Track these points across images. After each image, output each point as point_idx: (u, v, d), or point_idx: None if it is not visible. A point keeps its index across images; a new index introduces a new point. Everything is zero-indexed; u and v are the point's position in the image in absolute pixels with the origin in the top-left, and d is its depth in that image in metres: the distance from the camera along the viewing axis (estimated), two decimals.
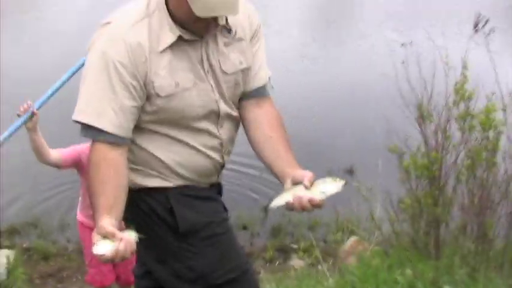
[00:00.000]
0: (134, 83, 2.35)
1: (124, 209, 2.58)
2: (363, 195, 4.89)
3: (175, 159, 2.54)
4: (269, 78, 2.71)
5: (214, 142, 2.61)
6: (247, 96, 2.69)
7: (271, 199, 2.49)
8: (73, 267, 7.12)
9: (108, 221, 2.24)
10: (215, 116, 2.57)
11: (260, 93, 2.70)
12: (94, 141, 2.39)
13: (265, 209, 2.50)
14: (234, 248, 2.71)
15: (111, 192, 2.32)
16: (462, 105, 3.94)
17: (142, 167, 2.56)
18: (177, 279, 2.61)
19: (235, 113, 2.66)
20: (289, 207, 2.41)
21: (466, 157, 3.90)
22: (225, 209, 2.76)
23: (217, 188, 2.78)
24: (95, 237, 2.20)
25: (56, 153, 4.18)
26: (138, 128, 2.48)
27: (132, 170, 2.52)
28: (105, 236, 2.18)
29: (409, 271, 3.66)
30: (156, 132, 2.51)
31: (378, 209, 4.96)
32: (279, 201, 2.45)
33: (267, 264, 7.36)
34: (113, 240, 2.18)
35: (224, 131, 2.64)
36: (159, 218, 2.57)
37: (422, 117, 3.95)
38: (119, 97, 2.35)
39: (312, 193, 2.36)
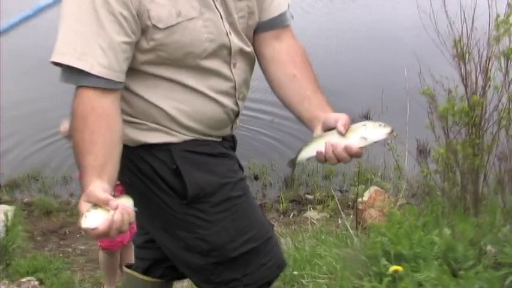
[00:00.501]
0: (125, 12, 1.87)
1: (119, 171, 2.18)
2: (387, 143, 4.42)
3: (181, 108, 2.08)
4: (288, 5, 2.25)
5: (227, 85, 2.14)
6: (263, 28, 2.21)
7: (299, 150, 2.04)
8: (75, 223, 6.76)
9: (99, 186, 1.77)
10: (226, 52, 2.10)
11: (279, 24, 2.23)
12: (78, 87, 1.91)
13: (292, 162, 2.06)
14: (254, 212, 2.26)
15: (102, 149, 1.85)
16: (506, 42, 3.46)
17: (141, 119, 2.09)
18: (186, 251, 2.18)
19: (249, 49, 2.19)
20: (320, 158, 1.96)
21: (510, 101, 3.43)
22: (241, 167, 2.30)
23: (230, 141, 2.31)
24: (83, 206, 1.73)
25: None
26: (133, 72, 2.00)
27: (127, 123, 2.05)
28: (96, 204, 1.74)
29: (446, 231, 3.24)
30: (155, 76, 2.03)
31: (405, 159, 4.54)
32: (308, 152, 2.00)
33: (281, 217, 7.03)
34: (107, 210, 1.73)
35: (238, 72, 2.16)
36: (162, 181, 2.11)
37: (460, 56, 3.47)
38: (107, 32, 1.86)
39: (349, 140, 1.92)
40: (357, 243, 3.44)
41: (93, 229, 1.70)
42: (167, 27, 1.95)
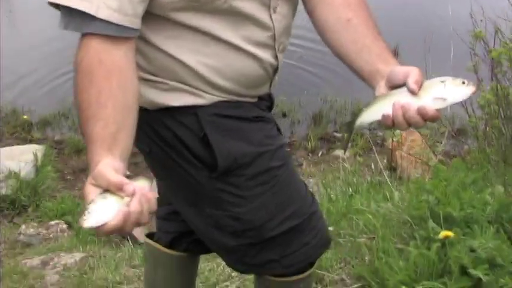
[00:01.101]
0: None
1: (135, 136, 1.74)
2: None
3: (209, 63, 1.60)
4: None
5: (265, 35, 1.66)
6: None
7: (358, 112, 1.59)
8: None
9: (109, 165, 1.31)
10: None
11: None
12: (83, 35, 1.44)
13: (349, 126, 1.62)
14: (295, 184, 1.81)
15: (113, 114, 1.39)
16: None
17: (161, 77, 1.62)
18: (217, 230, 1.75)
19: None
20: (387, 122, 1.49)
21: None
22: (279, 131, 1.84)
23: (267, 101, 1.84)
24: (90, 191, 1.28)
25: None
26: (151, 18, 1.53)
27: (145, 81, 1.60)
28: (107, 189, 1.28)
29: (500, 188, 2.80)
30: (178, 24, 1.55)
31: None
32: (371, 114, 1.54)
33: (309, 155, 6.64)
34: (120, 197, 1.27)
35: (278, 18, 1.67)
36: (188, 151, 1.67)
37: None
38: None
39: (423, 100, 1.46)
40: (398, 199, 3.00)
41: (102, 225, 1.25)
42: None
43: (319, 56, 7.80)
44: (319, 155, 6.60)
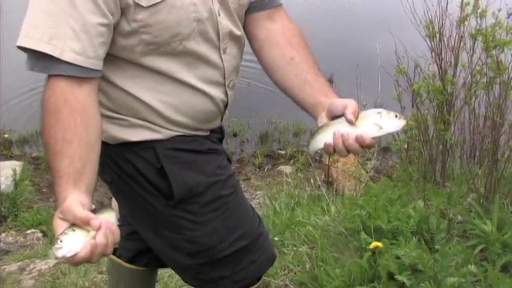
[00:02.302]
0: None
1: (101, 168, 1.65)
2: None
3: (166, 101, 1.53)
4: None
5: (216, 73, 1.60)
6: (255, 8, 1.68)
7: (307, 142, 1.55)
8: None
9: (76, 200, 1.23)
10: (215, 35, 1.55)
11: (271, 3, 1.69)
12: (49, 77, 1.35)
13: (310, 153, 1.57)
14: (244, 209, 1.74)
15: (78, 151, 1.29)
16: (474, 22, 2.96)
17: (121, 114, 1.54)
18: (173, 250, 1.66)
19: (239, 32, 1.64)
20: (329, 150, 1.45)
21: (479, 75, 2.93)
22: (230, 161, 1.77)
23: (218, 133, 1.77)
24: (58, 225, 1.20)
25: None
26: (112, 60, 1.45)
27: (107, 118, 1.52)
28: (74, 224, 1.20)
29: (420, 203, 2.79)
30: (137, 65, 1.48)
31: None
32: (315, 144, 1.49)
33: (257, 170, 6.55)
34: (86, 230, 1.20)
35: (228, 58, 1.61)
36: (146, 181, 1.58)
37: (433, 34, 2.95)
38: (80, 11, 1.31)
39: (361, 128, 1.42)
40: (334, 213, 2.95)
41: (72, 256, 1.18)
42: (151, 5, 1.40)
43: (265, 83, 7.75)
44: (265, 170, 6.52)
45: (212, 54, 1.56)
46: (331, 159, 5.15)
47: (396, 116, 1.43)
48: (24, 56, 1.38)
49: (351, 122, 1.41)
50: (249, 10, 1.67)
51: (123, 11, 1.39)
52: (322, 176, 4.87)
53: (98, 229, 1.19)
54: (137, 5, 1.39)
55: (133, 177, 1.58)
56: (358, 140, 1.40)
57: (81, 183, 1.28)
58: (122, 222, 2.00)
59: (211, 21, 1.52)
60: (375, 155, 4.41)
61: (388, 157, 4.76)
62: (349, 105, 1.44)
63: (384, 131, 1.43)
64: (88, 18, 1.32)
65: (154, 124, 1.55)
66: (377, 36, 5.81)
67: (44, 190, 6.03)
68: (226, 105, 1.70)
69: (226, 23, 1.57)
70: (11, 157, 6.66)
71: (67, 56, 1.31)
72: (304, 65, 1.62)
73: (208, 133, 1.68)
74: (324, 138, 1.46)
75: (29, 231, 4.77)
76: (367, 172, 4.17)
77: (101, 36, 1.36)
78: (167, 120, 1.56)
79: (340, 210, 3.01)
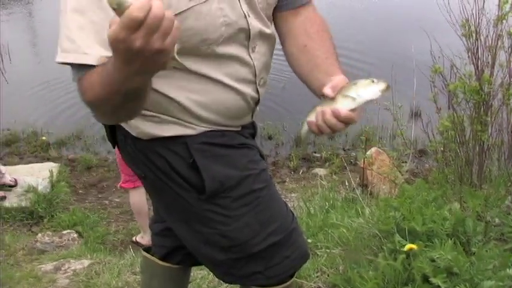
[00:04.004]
0: None
1: (133, 163, 1.67)
2: (391, 113, 3.89)
3: (197, 99, 1.55)
4: None
5: (246, 71, 1.60)
6: (282, 7, 1.68)
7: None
8: (112, 178, 6.40)
9: None
10: (244, 36, 1.56)
11: (300, 1, 1.69)
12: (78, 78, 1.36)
13: (300, 138, 1.60)
14: (276, 204, 1.74)
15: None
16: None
17: (153, 111, 1.56)
18: (206, 245, 1.68)
19: (269, 30, 1.65)
20: (312, 128, 1.46)
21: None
22: (262, 156, 1.77)
23: (250, 129, 1.78)
24: None
25: None
26: None
27: (140, 115, 1.53)
28: None
29: (456, 205, 2.75)
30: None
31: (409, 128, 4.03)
32: (303, 125, 1.51)
33: (292, 173, 6.56)
34: None
35: (257, 56, 1.62)
36: (178, 175, 1.60)
37: (469, 34, 2.92)
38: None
39: (337, 102, 1.40)
40: (368, 215, 2.94)
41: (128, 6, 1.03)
42: (178, 13, 1.41)
43: (300, 85, 7.76)
44: (300, 172, 6.53)
45: (241, 53, 1.58)
46: (366, 162, 5.13)
47: (373, 82, 1.38)
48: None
49: (327, 96, 1.42)
50: (277, 8, 1.69)
51: None
52: (357, 179, 4.84)
53: None
54: None
55: (166, 172, 1.61)
56: (334, 113, 1.39)
57: None
58: (156, 219, 2.05)
59: (240, 23, 1.53)
60: (411, 157, 4.36)
61: (424, 159, 4.71)
62: (332, 81, 1.45)
63: (360, 100, 1.39)
64: None
65: (185, 121, 1.57)
66: (412, 36, 5.76)
67: (80, 192, 6.15)
68: (257, 102, 1.71)
69: (256, 24, 1.58)
70: (48, 159, 6.81)
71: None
72: (316, 51, 1.62)
73: (239, 128, 1.70)
74: (309, 118, 1.47)
75: (64, 232, 4.87)
76: (402, 174, 4.14)
77: None
78: (198, 117, 1.58)
79: (374, 213, 2.99)
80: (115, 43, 1.06)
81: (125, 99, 1.25)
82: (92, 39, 1.33)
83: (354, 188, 4.20)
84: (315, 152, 7.02)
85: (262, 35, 1.61)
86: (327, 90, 1.42)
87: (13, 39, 10.42)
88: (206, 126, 1.60)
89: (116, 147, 1.76)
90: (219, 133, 1.63)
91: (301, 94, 7.92)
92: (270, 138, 7.36)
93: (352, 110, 1.39)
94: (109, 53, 1.21)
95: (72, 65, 1.37)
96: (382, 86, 1.38)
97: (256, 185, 1.66)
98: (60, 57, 1.37)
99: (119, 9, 1.04)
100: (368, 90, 1.38)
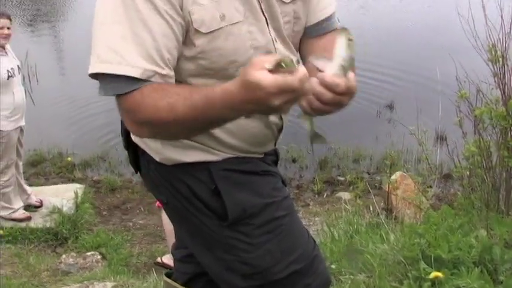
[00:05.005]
0: (170, 10, 1.36)
1: (155, 188, 1.68)
2: (417, 138, 3.86)
3: (223, 125, 1.51)
4: (334, 7, 1.72)
5: None
6: (309, 33, 1.69)
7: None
8: (136, 199, 6.43)
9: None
10: None
11: (325, 28, 1.68)
12: (121, 95, 1.36)
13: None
14: (298, 232, 1.73)
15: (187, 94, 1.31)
16: None
17: None
18: (228, 272, 1.67)
19: (295, 58, 1.65)
20: (305, 107, 1.33)
21: None
22: (284, 183, 1.78)
23: (273, 155, 1.79)
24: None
25: None
26: None
27: (163, 141, 1.57)
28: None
29: (483, 232, 2.71)
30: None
31: (433, 153, 4.00)
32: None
33: (316, 196, 6.54)
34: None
35: None
36: (200, 202, 1.61)
37: (496, 59, 2.90)
38: (155, 31, 1.35)
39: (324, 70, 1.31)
40: (393, 241, 2.91)
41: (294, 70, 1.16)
42: (210, 32, 1.43)
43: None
44: (324, 196, 6.50)
45: None
46: (390, 186, 5.09)
47: (341, 35, 1.32)
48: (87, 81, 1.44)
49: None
50: (304, 35, 1.70)
51: (184, 37, 1.43)
52: (382, 203, 4.81)
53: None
54: (197, 30, 1.42)
55: (188, 198, 1.62)
56: (319, 80, 1.29)
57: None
58: (178, 245, 2.05)
59: (269, 47, 1.55)
60: (436, 182, 4.32)
61: (450, 184, 4.67)
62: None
63: (338, 60, 1.31)
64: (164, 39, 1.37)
65: (209, 146, 1.59)
66: (437, 60, 5.74)
67: (104, 213, 6.19)
68: (280, 129, 1.72)
69: (282, 49, 1.59)
70: (73, 180, 6.88)
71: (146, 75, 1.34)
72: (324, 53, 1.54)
73: (262, 155, 1.70)
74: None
75: (88, 253, 4.90)
76: (427, 200, 4.10)
77: (173, 56, 1.41)
78: (221, 143, 1.59)
79: (399, 239, 2.96)
80: (257, 94, 1.14)
81: (214, 126, 1.34)
82: (135, 51, 1.34)
83: (378, 213, 4.16)
84: (339, 176, 6.99)
85: None
86: (311, 58, 1.37)
87: (40, 60, 10.60)
88: (230, 152, 1.61)
89: (139, 172, 1.78)
90: (242, 160, 1.63)
91: (325, 118, 7.97)
92: (294, 161, 7.36)
93: (339, 76, 1.29)
94: (152, 67, 1.31)
95: (108, 77, 1.36)
96: (345, 33, 1.32)
97: (278, 213, 1.66)
98: (98, 68, 1.36)
99: (282, 68, 1.14)
100: (339, 47, 1.32)
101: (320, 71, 1.32)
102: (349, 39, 1.32)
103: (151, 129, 1.39)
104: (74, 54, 10.69)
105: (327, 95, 1.29)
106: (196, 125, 1.35)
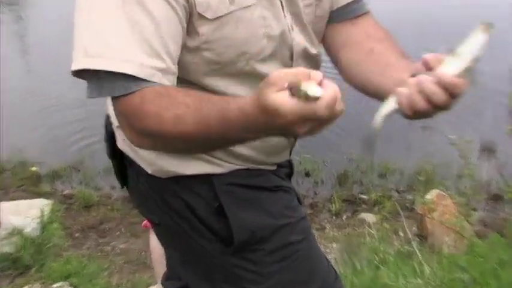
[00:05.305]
0: None
1: (146, 207, 1.70)
2: (459, 149, 3.86)
3: None
4: None
5: None
6: (336, 18, 1.71)
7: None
8: (116, 219, 6.43)
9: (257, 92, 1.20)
10: (287, 53, 1.59)
11: (355, 11, 1.71)
12: (118, 97, 1.34)
13: (369, 139, 1.49)
14: (317, 260, 1.75)
15: (200, 105, 1.29)
16: None
17: None
18: None
19: (315, 51, 1.67)
20: (402, 105, 1.33)
21: None
22: (300, 201, 1.79)
23: (287, 167, 1.80)
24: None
25: None
26: None
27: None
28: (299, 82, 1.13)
29: None
30: (195, 87, 1.50)
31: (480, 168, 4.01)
32: (385, 108, 1.39)
33: (333, 218, 6.52)
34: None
35: None
36: (201, 223, 1.62)
37: None
38: (156, 15, 1.33)
39: (440, 68, 1.30)
40: (429, 275, 2.91)
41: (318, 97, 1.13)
42: (217, 18, 1.44)
43: (346, 110, 7.79)
44: (344, 218, 6.49)
45: None
46: (425, 208, 5.10)
47: (478, 29, 1.31)
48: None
49: (427, 64, 1.33)
50: (330, 20, 1.71)
51: (188, 25, 1.43)
52: (414, 228, 4.81)
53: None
54: (201, 16, 1.42)
55: (185, 218, 1.63)
56: (436, 78, 1.29)
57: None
58: (170, 275, 2.06)
59: (283, 37, 1.56)
60: (482, 203, 4.33)
61: (499, 207, 4.66)
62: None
63: (467, 58, 1.30)
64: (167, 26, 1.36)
65: (213, 156, 1.60)
66: (485, 58, 5.75)
67: (77, 235, 6.19)
68: (296, 136, 1.73)
69: (300, 40, 1.61)
70: (38, 195, 6.87)
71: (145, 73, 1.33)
72: (387, 52, 1.61)
73: (275, 167, 1.72)
74: (398, 93, 1.36)
75: (56, 285, 4.89)
76: (471, 225, 4.11)
77: (177, 46, 1.41)
78: (228, 152, 1.60)
79: (436, 272, 2.97)
80: (277, 121, 1.15)
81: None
82: (132, 41, 1.32)
83: (409, 240, 4.16)
84: (362, 193, 6.98)
85: (306, 55, 1.64)
86: (427, 57, 1.33)
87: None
88: (238, 163, 1.62)
89: (126, 186, 1.79)
90: (252, 172, 1.65)
91: (347, 120, 7.95)
92: (307, 174, 7.35)
93: (459, 75, 1.30)
94: (154, 62, 1.30)
95: (96, 75, 1.34)
96: (485, 29, 1.31)
97: (293, 237, 1.68)
98: (84, 63, 1.33)
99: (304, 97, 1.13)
100: (474, 40, 1.32)
101: (430, 67, 1.32)
102: (486, 38, 1.32)
103: (154, 142, 1.38)
104: (42, 44, 10.74)
105: (442, 96, 1.29)
106: (209, 144, 1.37)
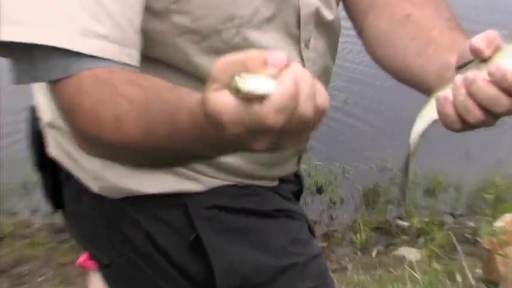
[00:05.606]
0: None
1: (92, 243, 1.75)
2: None
3: None
4: None
5: None
6: None
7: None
8: (40, 258, 6.45)
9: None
10: (292, 18, 1.62)
11: None
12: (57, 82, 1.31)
13: (406, 159, 1.49)
14: None
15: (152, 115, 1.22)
16: None
17: None
18: None
19: (332, 16, 1.72)
20: (445, 110, 1.30)
21: None
22: (312, 232, 1.85)
23: (294, 184, 1.85)
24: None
25: None
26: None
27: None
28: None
29: None
30: (165, 66, 1.53)
31: None
32: (423, 120, 1.39)
33: (359, 254, 6.57)
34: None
35: (312, 55, 1.68)
36: (170, 264, 1.66)
37: None
38: None
39: (495, 62, 1.25)
40: None
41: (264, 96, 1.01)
42: None
43: (372, 99, 7.83)
44: (374, 254, 6.53)
45: (288, 49, 1.64)
46: (495, 239, 5.14)
47: None
48: None
49: (478, 53, 1.29)
50: None
51: None
52: (478, 270, 4.86)
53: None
54: None
55: (147, 255, 1.67)
56: (493, 75, 1.23)
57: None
58: None
59: None
60: None
61: None
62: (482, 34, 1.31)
63: None
64: None
65: (187, 168, 1.63)
66: None
67: None
68: (306, 139, 1.77)
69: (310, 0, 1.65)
70: None
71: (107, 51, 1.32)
72: (427, 21, 1.63)
73: (276, 183, 1.76)
74: (429, 109, 1.37)
75: None
76: None
77: (137, 15, 1.40)
78: (214, 164, 1.63)
79: None
80: (224, 133, 1.06)
81: (191, 161, 1.41)
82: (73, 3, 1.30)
83: (472, 286, 4.22)
84: (400, 218, 7.01)
85: (320, 21, 1.69)
86: (478, 42, 1.28)
87: None
88: (220, 177, 1.66)
89: (60, 210, 1.82)
90: (243, 191, 1.68)
91: (374, 114, 8.00)
92: (319, 191, 7.35)
93: None
94: (99, 28, 1.29)
95: (20, 50, 1.33)
96: None
97: (303, 283, 1.72)
98: (7, 34, 1.30)
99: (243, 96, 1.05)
100: None
101: (482, 56, 1.29)
102: None
103: (101, 151, 1.38)
104: None
105: (504, 101, 1.25)
106: (163, 158, 1.34)
